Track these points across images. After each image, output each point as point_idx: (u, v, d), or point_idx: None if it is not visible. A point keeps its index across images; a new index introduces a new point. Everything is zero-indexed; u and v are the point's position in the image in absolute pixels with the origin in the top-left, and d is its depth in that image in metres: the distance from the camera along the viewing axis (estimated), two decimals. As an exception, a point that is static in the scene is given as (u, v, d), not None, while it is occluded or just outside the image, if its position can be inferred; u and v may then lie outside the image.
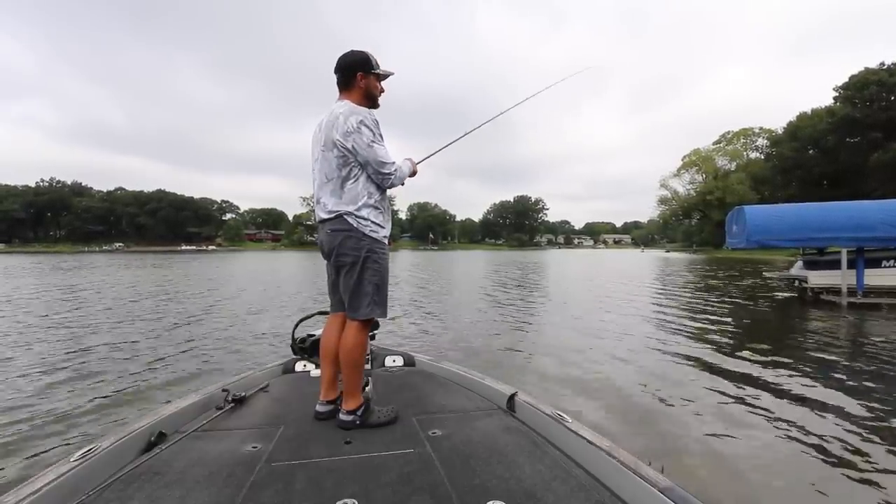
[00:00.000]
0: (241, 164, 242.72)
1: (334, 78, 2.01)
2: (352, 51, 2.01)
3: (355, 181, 1.89)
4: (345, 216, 1.88)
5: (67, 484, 1.30)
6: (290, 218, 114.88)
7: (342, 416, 1.87)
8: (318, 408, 1.96)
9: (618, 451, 1.43)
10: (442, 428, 1.82)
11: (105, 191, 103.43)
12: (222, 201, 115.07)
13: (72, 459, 1.40)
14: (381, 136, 1.92)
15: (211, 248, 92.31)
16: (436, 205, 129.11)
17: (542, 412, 1.82)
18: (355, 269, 1.88)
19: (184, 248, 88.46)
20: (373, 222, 1.91)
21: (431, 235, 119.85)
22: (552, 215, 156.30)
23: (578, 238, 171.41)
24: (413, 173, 2.12)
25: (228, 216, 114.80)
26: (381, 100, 2.08)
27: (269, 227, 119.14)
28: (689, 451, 2.70)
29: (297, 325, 2.87)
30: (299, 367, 2.73)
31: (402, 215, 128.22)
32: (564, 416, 1.73)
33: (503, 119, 2.83)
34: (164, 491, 1.33)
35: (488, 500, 1.27)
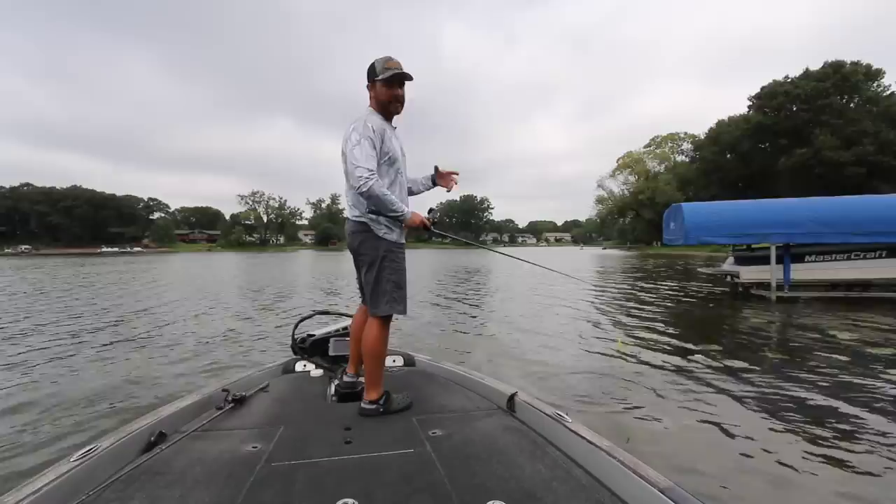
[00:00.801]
0: (170, 161, 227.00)
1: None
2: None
3: None
4: (363, 219, 2.02)
5: (67, 484, 1.30)
6: (228, 217, 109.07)
7: (365, 406, 1.98)
8: (345, 378, 2.25)
9: (618, 451, 1.44)
10: (442, 428, 1.82)
11: (8, 186, 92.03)
12: (149, 199, 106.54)
13: (72, 459, 1.40)
14: (371, 141, 1.91)
15: (136, 249, 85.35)
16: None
17: (542, 412, 1.83)
18: (374, 268, 2.01)
19: (104, 249, 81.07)
20: (385, 226, 2.02)
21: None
22: (497, 214, 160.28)
23: (522, 236, 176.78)
24: (402, 217, 1.97)
25: (157, 215, 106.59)
26: (399, 105, 2.10)
27: (204, 227, 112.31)
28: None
29: (296, 325, 2.86)
30: (299, 367, 2.73)
31: (347, 214, 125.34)
32: (564, 416, 1.74)
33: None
34: (164, 491, 1.33)
35: (488, 500, 1.27)
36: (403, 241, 2.09)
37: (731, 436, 2.86)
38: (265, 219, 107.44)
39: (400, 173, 2.10)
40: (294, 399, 2.19)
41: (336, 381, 2.34)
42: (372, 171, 1.87)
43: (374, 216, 1.98)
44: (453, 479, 1.39)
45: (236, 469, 1.46)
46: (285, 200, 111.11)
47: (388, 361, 2.76)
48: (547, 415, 1.79)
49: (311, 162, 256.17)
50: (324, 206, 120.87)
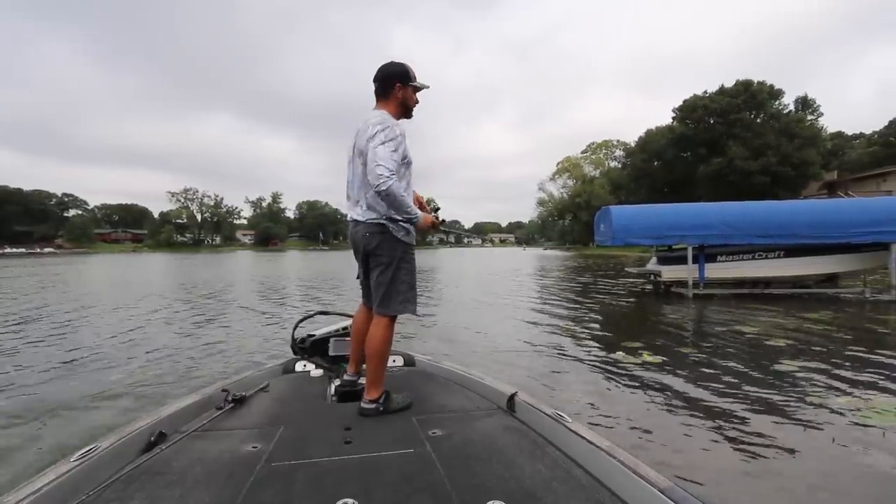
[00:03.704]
0: (90, 155, 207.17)
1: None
2: (392, 62, 2.15)
3: None
4: (380, 220, 2.06)
5: (67, 484, 1.30)
6: (157, 215, 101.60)
7: (364, 405, 2.00)
8: (345, 377, 2.31)
9: (618, 451, 1.45)
10: (442, 428, 1.83)
11: None
12: (63, 194, 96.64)
13: (72, 459, 1.40)
14: (395, 143, 1.98)
15: (48, 250, 76.93)
16: (326, 203, 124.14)
17: (542, 412, 1.84)
18: (390, 269, 2.06)
19: (7, 251, 72.28)
20: (402, 227, 2.09)
21: (321, 235, 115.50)
22: (443, 215, 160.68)
23: (468, 237, 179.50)
24: (412, 219, 2.06)
25: (73, 212, 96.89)
26: (414, 111, 2.25)
27: (129, 226, 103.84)
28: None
29: (297, 326, 2.87)
30: (299, 367, 2.74)
31: (291, 214, 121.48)
32: (564, 416, 1.75)
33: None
34: (164, 491, 1.33)
35: (488, 500, 1.27)
36: (414, 242, 2.17)
37: (649, 404, 3.32)
38: (199, 217, 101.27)
39: (411, 176, 2.18)
40: (294, 399, 2.19)
41: (336, 381, 2.36)
42: (392, 171, 1.92)
43: (391, 217, 2.03)
44: (453, 479, 1.39)
45: (236, 469, 1.47)
46: (222, 198, 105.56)
47: (388, 361, 2.77)
48: (547, 415, 1.80)
49: (253, 160, 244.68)
50: (264, 204, 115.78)
